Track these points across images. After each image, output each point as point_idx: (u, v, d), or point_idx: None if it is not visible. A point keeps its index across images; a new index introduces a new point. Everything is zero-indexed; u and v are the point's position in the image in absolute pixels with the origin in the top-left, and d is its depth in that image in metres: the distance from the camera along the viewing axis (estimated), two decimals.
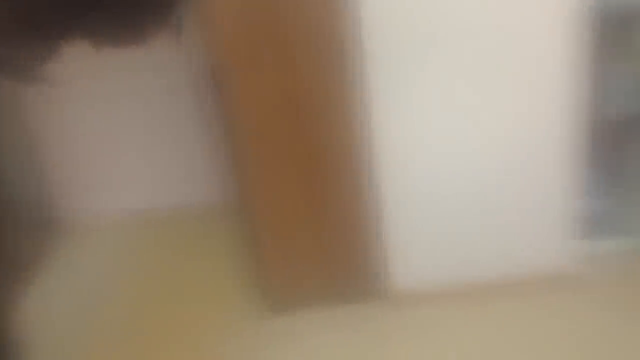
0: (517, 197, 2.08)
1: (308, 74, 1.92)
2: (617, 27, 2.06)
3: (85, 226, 2.86)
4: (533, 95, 1.96)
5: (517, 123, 2.00)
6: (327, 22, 1.86)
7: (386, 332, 2.08)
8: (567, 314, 2.06)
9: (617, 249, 2.25)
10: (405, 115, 1.97)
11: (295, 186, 2.07)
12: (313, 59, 1.91)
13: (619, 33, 2.08)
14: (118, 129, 2.87)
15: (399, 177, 2.05)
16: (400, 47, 1.89)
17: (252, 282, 2.26)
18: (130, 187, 2.95)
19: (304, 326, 2.13)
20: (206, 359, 2.06)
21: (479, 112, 1.99)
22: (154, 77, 2.73)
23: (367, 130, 1.99)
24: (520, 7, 1.85)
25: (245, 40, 1.88)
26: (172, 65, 2.67)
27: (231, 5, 1.83)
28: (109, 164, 2.90)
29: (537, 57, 1.91)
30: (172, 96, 2.79)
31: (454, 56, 1.91)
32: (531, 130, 2.00)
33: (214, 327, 2.18)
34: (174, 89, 2.78)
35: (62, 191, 2.86)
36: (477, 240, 2.14)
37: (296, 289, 2.19)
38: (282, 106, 1.97)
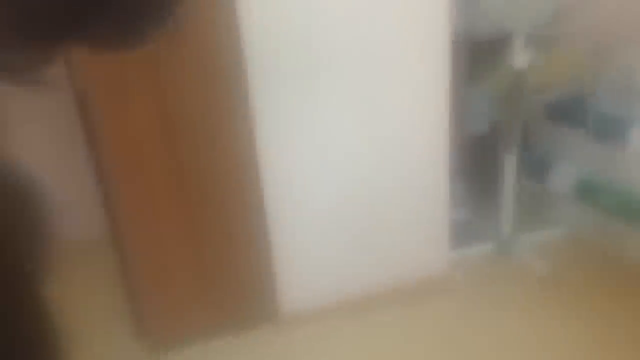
0: (391, 212, 2.20)
1: (187, 100, 1.85)
2: (477, 53, 2.27)
3: None
4: (405, 116, 2.08)
5: (390, 144, 2.11)
6: (208, 47, 1.80)
7: (279, 355, 2.07)
8: (442, 315, 2.21)
9: (479, 254, 2.47)
10: (289, 140, 1.99)
11: (174, 217, 1.97)
12: (193, 85, 1.84)
13: (479, 59, 2.30)
14: None
15: (281, 202, 2.06)
16: (283, 72, 1.89)
17: (135, 320, 2.12)
18: None
19: None
20: None
21: (356, 134, 2.06)
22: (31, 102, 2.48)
23: (251, 156, 1.98)
24: (394, 35, 1.96)
25: (115, 64, 1.75)
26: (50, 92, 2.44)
27: None
28: None
29: (408, 81, 2.03)
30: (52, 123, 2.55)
31: (335, 81, 1.96)
32: (403, 149, 2.13)
33: None
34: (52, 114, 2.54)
35: None
36: (357, 255, 2.21)
37: (180, 323, 2.08)
38: (158, 133, 1.88)
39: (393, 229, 2.21)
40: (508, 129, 2.38)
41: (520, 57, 2.20)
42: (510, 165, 2.38)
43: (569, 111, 2.43)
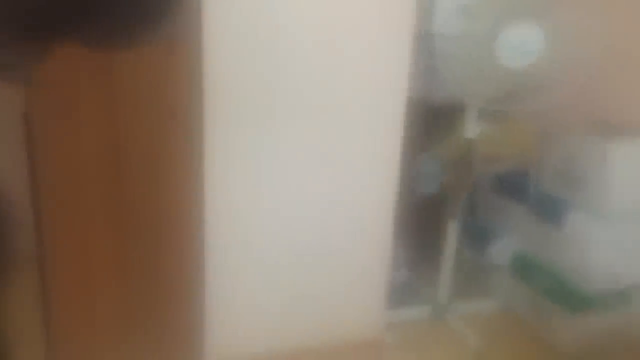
0: (331, 268, 2.17)
1: (139, 133, 1.80)
2: (434, 118, 2.32)
3: None
4: (355, 173, 2.08)
5: (338, 200, 2.09)
6: (161, 79, 1.77)
7: None
8: None
9: (414, 317, 2.46)
10: (236, 186, 1.95)
11: (106, 250, 1.88)
12: (142, 117, 1.79)
13: (435, 124, 2.34)
14: None
15: (222, 247, 2.00)
16: (238, 115, 1.88)
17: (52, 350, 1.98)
18: None
19: None
20: None
21: (305, 186, 2.05)
22: None
23: (196, 198, 1.92)
24: (352, 92, 1.98)
25: (64, 87, 1.69)
26: None
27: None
28: None
29: (362, 139, 2.05)
30: None
31: (289, 130, 1.96)
32: (351, 206, 2.12)
33: None
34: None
35: None
36: (293, 308, 2.16)
37: None
38: (104, 163, 1.80)
39: (332, 287, 2.17)
40: (454, 196, 2.41)
41: (471, 128, 2.26)
42: (453, 231, 2.41)
43: (513, 186, 2.49)
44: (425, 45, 2.18)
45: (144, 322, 1.98)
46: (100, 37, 0.48)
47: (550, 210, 2.32)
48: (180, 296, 1.99)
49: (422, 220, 2.50)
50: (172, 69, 1.77)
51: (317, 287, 2.16)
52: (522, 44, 2.05)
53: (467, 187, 2.41)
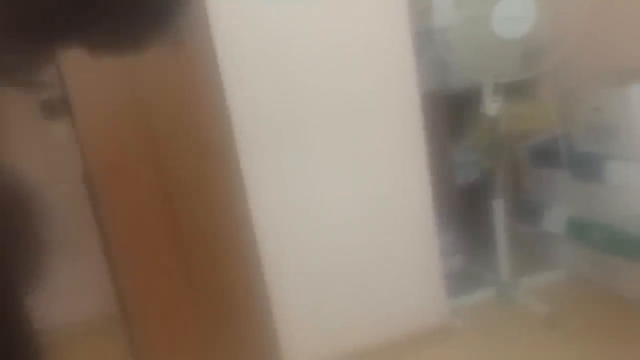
0: (389, 264, 2.27)
1: (184, 172, 2.01)
2: (459, 105, 2.43)
3: None
4: (385, 171, 2.20)
5: (375, 199, 2.21)
6: (197, 118, 1.97)
7: None
8: None
9: (479, 301, 2.49)
10: (282, 198, 2.12)
11: (176, 284, 2.07)
12: (185, 157, 2.01)
13: (462, 110, 2.46)
14: None
15: (278, 260, 2.15)
16: (270, 135, 2.06)
17: None
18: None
19: None
20: None
21: (342, 190, 2.18)
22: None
23: (245, 219, 2.10)
24: (367, 97, 2.13)
25: (114, 143, 1.93)
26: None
27: (98, 110, 1.90)
28: None
29: (385, 138, 2.18)
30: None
31: (318, 142, 2.12)
32: (388, 203, 2.23)
33: None
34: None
35: None
36: (356, 308, 2.26)
37: None
38: (158, 206, 2.03)
39: (387, 281, 2.27)
40: (494, 175, 2.47)
41: (491, 105, 2.34)
42: (499, 210, 2.45)
43: (549, 154, 2.53)
44: (430, 41, 2.32)
45: (218, 340, 2.14)
46: (105, 40, 0.45)
47: (588, 168, 2.34)
48: (247, 310, 2.13)
49: (470, 206, 2.57)
50: (201, 110, 1.99)
51: (375, 285, 2.25)
52: (514, 16, 2.15)
53: (502, 164, 2.47)
